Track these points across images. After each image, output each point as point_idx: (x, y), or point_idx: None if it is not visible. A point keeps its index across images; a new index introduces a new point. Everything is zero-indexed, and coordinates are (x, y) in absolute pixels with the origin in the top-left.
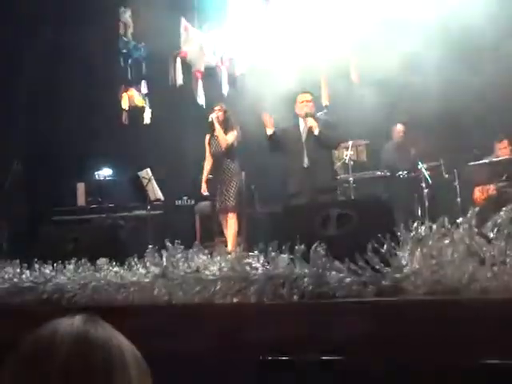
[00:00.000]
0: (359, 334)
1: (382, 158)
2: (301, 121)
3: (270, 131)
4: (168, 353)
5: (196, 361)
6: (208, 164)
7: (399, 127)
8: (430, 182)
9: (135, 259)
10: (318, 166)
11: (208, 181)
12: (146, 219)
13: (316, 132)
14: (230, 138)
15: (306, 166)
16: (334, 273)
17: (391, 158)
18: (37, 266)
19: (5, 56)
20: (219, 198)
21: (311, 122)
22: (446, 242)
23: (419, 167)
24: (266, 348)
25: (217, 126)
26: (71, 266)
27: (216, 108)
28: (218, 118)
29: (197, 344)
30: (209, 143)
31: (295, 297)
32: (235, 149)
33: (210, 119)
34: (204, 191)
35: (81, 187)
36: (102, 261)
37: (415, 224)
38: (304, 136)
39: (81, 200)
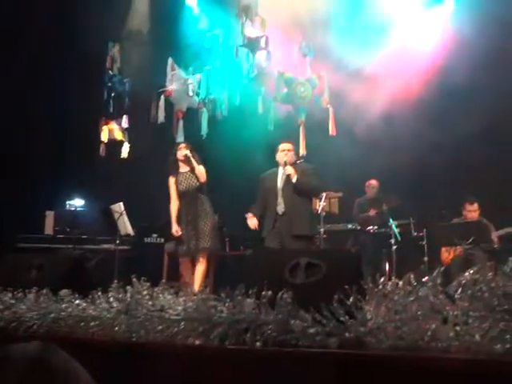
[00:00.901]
0: None
1: (354, 211)
2: (280, 169)
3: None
4: None
5: None
6: (175, 205)
7: (373, 182)
8: (399, 238)
9: (99, 293)
10: (294, 214)
11: (178, 220)
12: (114, 253)
13: (294, 179)
14: (204, 172)
15: (280, 212)
16: (298, 321)
17: (362, 211)
18: None
19: None
20: (191, 238)
21: (289, 169)
22: (411, 298)
23: (389, 223)
24: None
25: (193, 160)
26: (32, 296)
27: (182, 146)
28: (186, 155)
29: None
30: (175, 183)
31: (258, 343)
32: (206, 185)
33: (182, 155)
34: (176, 232)
35: (50, 215)
36: (64, 292)
37: (382, 279)
38: (281, 183)
39: (49, 229)
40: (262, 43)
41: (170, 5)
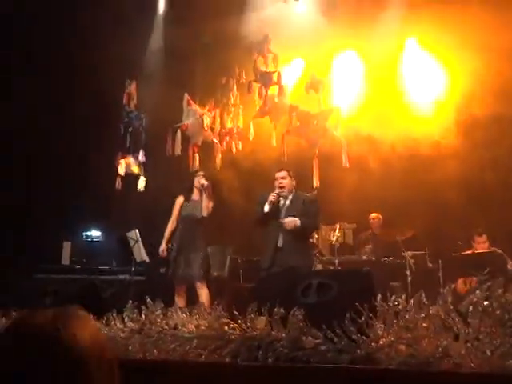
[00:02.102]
0: None
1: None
2: (281, 199)
3: (267, 208)
4: None
5: None
6: (173, 225)
7: (373, 215)
8: (414, 269)
9: (113, 314)
10: (291, 247)
11: (168, 241)
12: (129, 284)
13: (298, 226)
14: (211, 206)
15: (280, 245)
16: (310, 338)
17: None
18: (14, 313)
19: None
20: (179, 263)
21: (289, 222)
22: (422, 315)
23: (404, 254)
24: None
25: (207, 192)
26: None
27: (201, 173)
28: (203, 184)
29: None
30: (181, 206)
31: (270, 360)
32: (208, 219)
33: (199, 183)
34: (163, 251)
35: (67, 246)
36: None
37: (393, 297)
38: (283, 215)
39: (65, 259)
40: (275, 78)
41: (185, 41)
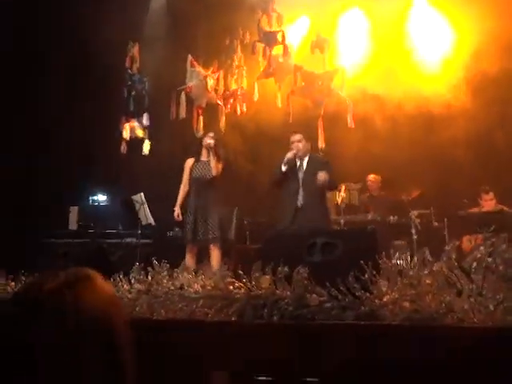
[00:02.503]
0: (337, 357)
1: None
2: (297, 160)
3: (284, 168)
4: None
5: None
6: (184, 189)
7: (370, 177)
8: (420, 228)
9: (121, 275)
10: (311, 207)
11: (182, 204)
12: (136, 247)
13: (327, 182)
14: (220, 166)
15: (299, 205)
16: (314, 296)
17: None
18: (23, 278)
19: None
20: (199, 226)
21: (322, 176)
22: (426, 272)
23: (409, 214)
24: (245, 366)
25: (213, 151)
26: None
27: (210, 135)
28: (211, 143)
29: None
30: (192, 168)
31: (275, 317)
32: (221, 179)
33: (207, 144)
34: (178, 216)
35: (74, 211)
36: None
37: (396, 254)
38: (301, 176)
39: (73, 224)
40: (279, 38)
41: (188, 2)
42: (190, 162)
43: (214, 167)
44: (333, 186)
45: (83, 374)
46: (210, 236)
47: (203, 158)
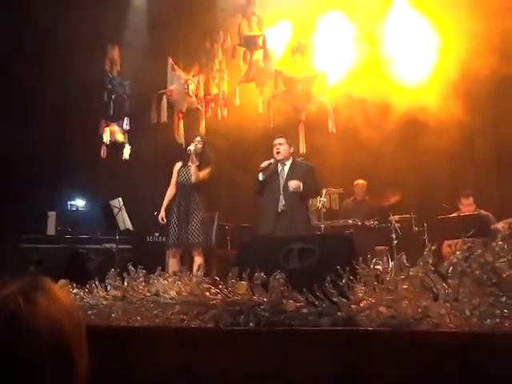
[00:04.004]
0: (314, 363)
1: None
2: (279, 165)
3: (261, 176)
4: (117, 376)
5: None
6: (171, 192)
7: (359, 182)
8: (400, 233)
9: (96, 282)
10: (293, 212)
11: (167, 208)
12: (115, 253)
13: (301, 189)
14: (203, 173)
15: (280, 210)
16: (291, 301)
17: (352, 211)
18: None
19: None
20: (182, 230)
21: (294, 184)
22: (402, 276)
23: (390, 218)
24: (220, 374)
25: (193, 158)
26: None
27: (196, 139)
28: (195, 149)
29: (146, 367)
30: (178, 172)
31: (251, 324)
32: (205, 184)
33: (188, 150)
34: (162, 219)
35: (52, 216)
36: (61, 282)
37: (374, 260)
38: (282, 182)
39: (51, 229)
40: (260, 42)
41: (169, 3)
42: (177, 165)
43: (193, 174)
44: (314, 191)
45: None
46: (192, 241)
47: (189, 162)
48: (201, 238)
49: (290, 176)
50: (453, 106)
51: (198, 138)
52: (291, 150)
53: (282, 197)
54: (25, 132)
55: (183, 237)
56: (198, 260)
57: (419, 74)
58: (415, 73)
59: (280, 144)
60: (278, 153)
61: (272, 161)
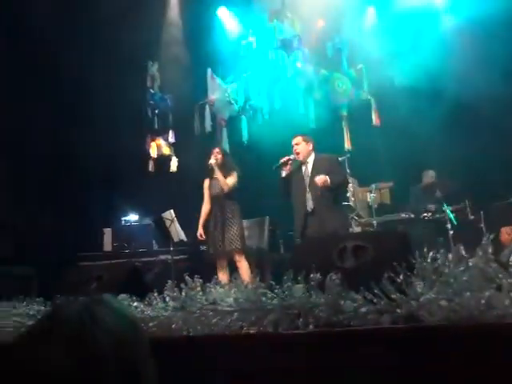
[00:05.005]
0: (377, 364)
1: (410, 200)
2: (302, 166)
3: (284, 173)
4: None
5: None
6: (206, 208)
7: (431, 173)
8: (456, 223)
9: (155, 294)
10: (323, 210)
11: (205, 224)
12: (171, 264)
13: (329, 183)
14: (231, 180)
15: (310, 210)
16: (349, 302)
17: (418, 200)
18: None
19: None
20: (217, 240)
21: (320, 178)
22: (461, 268)
23: (444, 209)
24: (284, 378)
25: (216, 169)
26: None
27: (215, 151)
28: (216, 161)
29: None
30: (208, 187)
31: (310, 326)
32: (235, 190)
33: (209, 165)
34: (200, 235)
35: (108, 232)
36: (122, 296)
37: (431, 253)
38: (308, 180)
39: (107, 245)
40: (295, 43)
41: (202, 17)
42: (206, 182)
43: (223, 184)
44: (340, 184)
45: None
46: (229, 248)
47: (215, 175)
48: (239, 244)
49: (315, 173)
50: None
51: (217, 150)
52: (310, 147)
53: (309, 195)
54: (76, 154)
55: (220, 245)
56: (243, 266)
57: None
58: None
59: (297, 144)
60: (298, 153)
61: (292, 156)
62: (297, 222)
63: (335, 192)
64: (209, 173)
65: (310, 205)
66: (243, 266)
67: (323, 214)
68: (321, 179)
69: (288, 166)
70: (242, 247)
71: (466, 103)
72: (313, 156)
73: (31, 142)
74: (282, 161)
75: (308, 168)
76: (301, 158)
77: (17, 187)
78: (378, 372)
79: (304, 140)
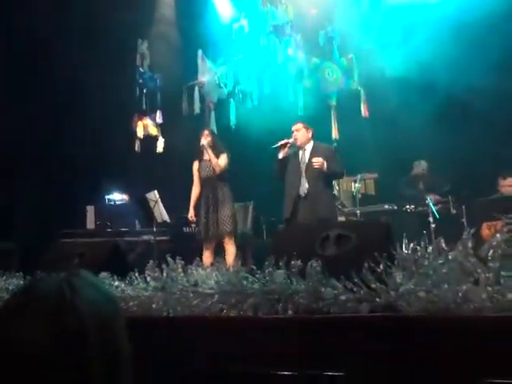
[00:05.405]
0: (355, 351)
1: (400, 191)
2: (300, 151)
3: (281, 155)
4: (167, 365)
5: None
6: (196, 190)
7: (423, 164)
8: (438, 216)
9: (136, 274)
10: (316, 196)
11: (196, 207)
12: (153, 245)
13: (325, 168)
14: (222, 161)
15: (303, 194)
16: (329, 289)
17: (404, 190)
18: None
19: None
20: (211, 223)
21: (317, 160)
22: (440, 261)
23: (427, 202)
24: (262, 361)
25: (209, 150)
26: None
27: (205, 133)
28: (207, 142)
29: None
30: (198, 169)
31: (290, 312)
32: (227, 172)
33: (201, 146)
34: (192, 217)
35: (91, 210)
36: (103, 275)
37: (411, 245)
38: (304, 166)
39: (90, 223)
40: (288, 30)
41: None
42: (195, 164)
43: (216, 165)
44: (337, 173)
45: (82, 373)
46: (221, 231)
47: (205, 156)
48: (231, 226)
49: (311, 159)
50: None
51: (206, 132)
52: (310, 135)
53: (303, 180)
54: (61, 131)
55: (213, 227)
56: (231, 249)
57: None
58: None
59: (297, 130)
60: (296, 139)
61: (291, 140)
62: (286, 206)
63: (328, 179)
64: (198, 155)
65: (303, 189)
66: (231, 249)
67: (315, 199)
68: (318, 161)
69: (286, 149)
70: (232, 230)
71: (456, 96)
72: (311, 143)
73: (17, 123)
74: (280, 143)
75: (305, 154)
76: (298, 143)
77: (0, 164)
78: (355, 359)
79: (304, 127)
